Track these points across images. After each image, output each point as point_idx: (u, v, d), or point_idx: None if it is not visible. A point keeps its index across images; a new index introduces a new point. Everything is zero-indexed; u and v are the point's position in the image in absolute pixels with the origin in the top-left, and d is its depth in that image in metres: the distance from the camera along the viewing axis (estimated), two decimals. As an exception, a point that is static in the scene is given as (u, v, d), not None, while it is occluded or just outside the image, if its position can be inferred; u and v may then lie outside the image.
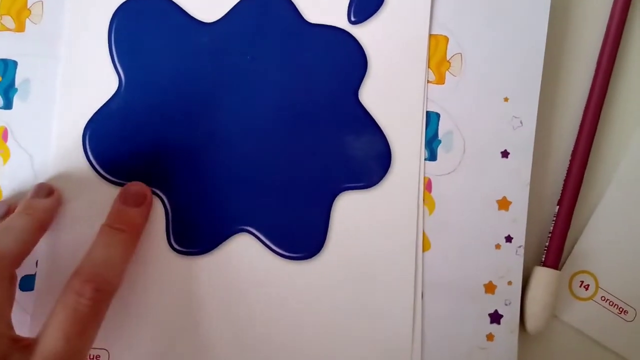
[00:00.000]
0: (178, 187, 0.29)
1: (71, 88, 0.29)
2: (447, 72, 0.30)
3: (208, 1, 0.30)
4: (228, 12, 0.30)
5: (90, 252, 0.26)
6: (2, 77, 0.29)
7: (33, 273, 0.29)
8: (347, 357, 0.29)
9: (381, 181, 0.30)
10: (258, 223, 0.29)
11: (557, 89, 0.32)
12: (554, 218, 0.31)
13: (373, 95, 0.30)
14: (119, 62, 0.29)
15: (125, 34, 0.29)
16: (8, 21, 0.29)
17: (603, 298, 0.32)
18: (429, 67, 0.30)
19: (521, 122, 0.30)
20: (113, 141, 0.29)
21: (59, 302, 0.24)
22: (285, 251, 0.29)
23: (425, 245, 0.30)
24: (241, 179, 0.29)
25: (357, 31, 0.30)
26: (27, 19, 0.29)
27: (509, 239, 0.30)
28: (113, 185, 0.29)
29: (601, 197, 0.32)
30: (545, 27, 0.31)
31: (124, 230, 0.27)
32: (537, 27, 0.31)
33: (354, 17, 0.30)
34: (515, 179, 0.30)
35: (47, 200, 0.28)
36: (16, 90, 0.29)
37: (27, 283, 0.29)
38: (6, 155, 0.29)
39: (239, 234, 0.29)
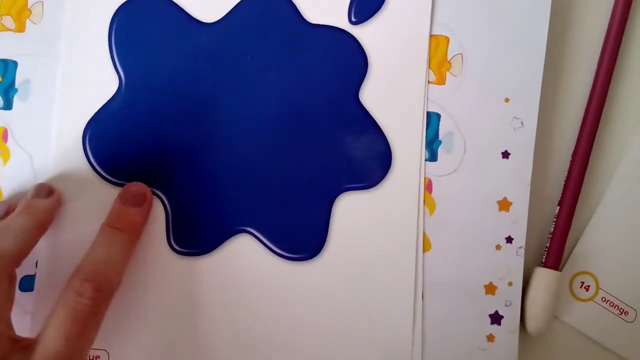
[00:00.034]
0: (178, 188, 0.29)
1: (71, 88, 0.29)
2: (447, 72, 0.30)
3: (208, 1, 0.30)
4: (228, 13, 0.30)
5: (90, 251, 0.26)
6: (2, 78, 0.29)
7: (33, 273, 0.29)
8: (347, 358, 0.29)
9: (382, 182, 0.30)
10: (258, 223, 0.29)
11: (558, 90, 0.32)
12: (555, 219, 0.31)
13: (374, 96, 0.30)
14: (119, 62, 0.29)
15: (125, 34, 0.29)
16: (8, 21, 0.29)
17: (603, 299, 0.32)
18: (429, 67, 0.30)
19: (522, 123, 0.30)
20: (113, 141, 0.29)
21: (59, 301, 0.24)
22: (286, 252, 0.29)
23: (426, 246, 0.30)
24: (241, 179, 0.29)
25: (357, 31, 0.30)
26: (27, 19, 0.29)
27: (509, 239, 0.30)
28: (113, 186, 0.29)
29: (601, 197, 0.32)
30: (546, 27, 0.31)
31: (124, 230, 0.27)
32: (538, 27, 0.31)
33: (355, 17, 0.30)
34: (515, 180, 0.30)
35: (47, 200, 0.28)
36: (16, 90, 0.29)
37: (27, 283, 0.29)
38: (6, 156, 0.29)
39: (239, 234, 0.29)
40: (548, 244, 0.31)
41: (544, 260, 0.31)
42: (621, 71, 0.33)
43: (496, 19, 0.31)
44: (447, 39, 0.30)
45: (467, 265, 0.30)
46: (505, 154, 0.30)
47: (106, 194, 0.29)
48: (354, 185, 0.30)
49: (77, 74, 0.29)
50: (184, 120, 0.29)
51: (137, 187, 0.28)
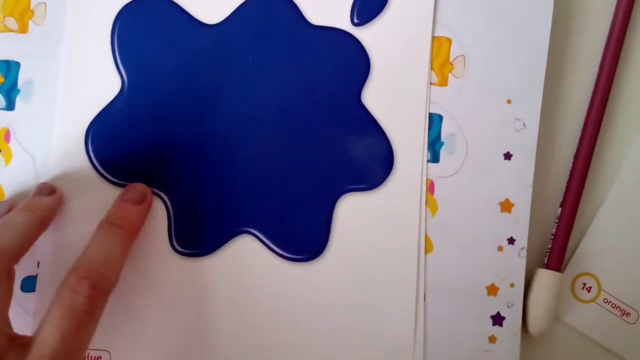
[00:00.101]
0: (180, 189, 0.29)
1: (73, 89, 0.29)
2: (449, 73, 0.30)
3: (211, 3, 0.30)
4: (231, 14, 0.30)
5: (87, 248, 0.25)
6: (5, 78, 0.29)
7: (35, 274, 0.29)
8: (349, 358, 0.29)
9: (384, 183, 0.30)
10: (260, 224, 0.29)
11: (560, 91, 0.32)
12: (557, 220, 0.31)
13: (376, 97, 0.30)
14: (122, 63, 0.29)
15: (128, 35, 0.29)
16: (11, 22, 0.29)
17: (605, 300, 0.32)
18: (431, 69, 0.30)
19: (524, 124, 0.30)
20: (115, 142, 0.29)
21: (55, 299, 0.24)
22: (288, 253, 0.29)
23: (428, 247, 0.30)
24: (243, 180, 0.29)
25: (360, 33, 0.30)
26: (30, 20, 0.29)
27: (511, 241, 0.30)
28: (115, 186, 0.29)
29: (603, 199, 0.32)
30: (548, 29, 0.31)
31: (122, 227, 0.27)
32: (540, 29, 0.31)
33: (357, 18, 0.30)
34: (517, 181, 0.30)
35: (48, 198, 0.28)
36: (18, 91, 0.29)
37: (29, 284, 0.29)
38: (8, 156, 0.29)
39: (241, 235, 0.29)
40: (550, 245, 0.31)
41: (545, 261, 0.31)
42: (623, 72, 0.33)
43: (498, 21, 0.31)
44: (450, 41, 0.30)
45: (469, 267, 0.30)
46: (507, 155, 0.30)
47: (108, 195, 0.29)
48: (356, 186, 0.30)
49: (79, 75, 0.29)
50: (185, 121, 0.29)
51: (137, 186, 0.28)
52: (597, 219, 0.32)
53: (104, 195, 0.29)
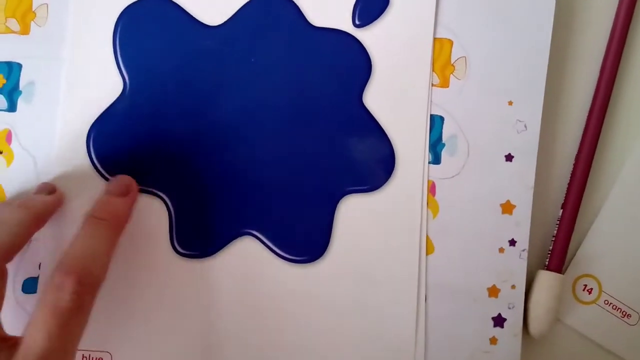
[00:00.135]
0: (182, 190, 0.29)
1: (75, 90, 0.29)
2: (451, 75, 0.30)
3: (213, 4, 0.30)
4: (233, 16, 0.30)
5: (72, 244, 0.25)
6: (7, 80, 0.29)
7: (36, 276, 0.29)
8: (350, 359, 0.29)
9: (385, 184, 0.30)
10: (262, 226, 0.29)
11: (562, 93, 0.32)
12: (558, 222, 0.31)
13: (377, 99, 0.30)
14: (124, 64, 0.29)
15: (130, 37, 0.29)
16: (13, 24, 0.29)
17: (606, 302, 0.32)
18: (433, 70, 0.30)
19: (525, 126, 0.31)
20: (117, 143, 0.29)
21: (40, 298, 0.23)
22: (289, 254, 0.29)
23: (429, 249, 0.30)
24: (245, 182, 0.29)
25: (361, 34, 0.30)
26: (31, 22, 0.29)
27: (512, 242, 0.30)
28: (117, 188, 0.29)
29: (605, 200, 0.32)
30: (549, 31, 0.31)
31: (107, 220, 0.26)
32: (541, 31, 0.31)
33: (359, 20, 0.30)
34: (519, 183, 0.30)
35: (46, 196, 0.27)
36: (20, 92, 0.29)
37: (30, 286, 0.29)
38: (10, 158, 0.29)
39: (243, 236, 0.29)
40: (551, 247, 0.31)
41: (547, 263, 0.31)
42: (625, 74, 0.33)
43: (499, 22, 0.31)
44: (451, 42, 0.30)
45: (470, 268, 0.30)
46: (509, 157, 0.30)
47: (110, 196, 0.29)
48: (357, 187, 0.30)
49: (81, 76, 0.29)
50: (187, 123, 0.29)
51: (121, 178, 0.28)
52: (598, 221, 0.32)
53: (106, 196, 0.29)
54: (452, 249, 0.30)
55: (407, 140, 0.30)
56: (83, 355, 0.28)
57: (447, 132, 0.30)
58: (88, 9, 0.29)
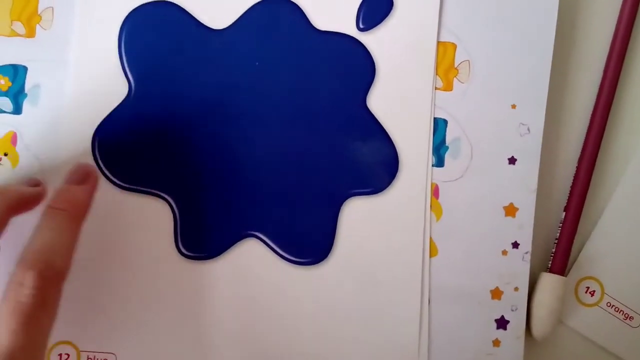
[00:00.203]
0: (186, 192, 0.29)
1: (81, 93, 0.29)
2: (454, 78, 0.31)
3: (218, 8, 0.30)
4: (237, 19, 0.30)
5: (32, 238, 0.24)
6: (12, 83, 0.29)
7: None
8: (353, 362, 0.29)
9: (388, 187, 0.30)
10: (266, 228, 0.30)
11: (564, 96, 0.33)
12: (561, 224, 0.32)
13: (381, 102, 0.30)
14: (129, 68, 0.29)
15: (135, 40, 0.29)
16: (18, 27, 0.29)
17: (608, 304, 0.32)
18: (436, 73, 0.30)
19: (528, 129, 0.31)
20: (122, 146, 0.29)
21: (3, 295, 0.22)
22: (293, 256, 0.29)
23: (432, 251, 0.30)
24: (249, 184, 0.30)
25: (365, 38, 0.30)
26: (37, 25, 0.29)
27: (515, 245, 0.30)
28: (121, 190, 0.29)
29: (607, 203, 0.32)
30: (552, 34, 0.31)
31: (67, 209, 0.25)
32: (545, 34, 0.31)
33: (363, 24, 0.30)
34: (522, 186, 0.30)
35: (25, 187, 0.27)
36: (26, 95, 0.29)
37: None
38: (15, 160, 0.29)
39: (247, 239, 0.29)
40: (554, 250, 0.31)
41: (549, 265, 0.31)
42: (627, 77, 0.33)
43: (503, 26, 0.31)
44: (455, 46, 0.31)
45: (473, 271, 0.30)
46: (512, 160, 0.31)
47: (115, 199, 0.29)
48: (360, 190, 0.30)
49: (86, 79, 0.29)
50: (192, 125, 0.29)
51: (80, 165, 0.28)
52: (601, 223, 0.32)
53: (111, 199, 0.29)
54: (456, 251, 0.30)
55: (411, 143, 0.30)
56: (88, 356, 0.28)
57: (450, 135, 0.30)
58: (93, 12, 0.29)
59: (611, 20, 0.32)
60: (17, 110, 0.29)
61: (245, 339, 0.29)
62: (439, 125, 0.30)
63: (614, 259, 0.32)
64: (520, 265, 0.30)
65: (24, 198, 0.26)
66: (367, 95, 0.30)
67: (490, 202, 0.30)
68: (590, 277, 0.32)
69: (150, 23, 0.29)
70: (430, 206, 0.30)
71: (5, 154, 0.29)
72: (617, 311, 0.32)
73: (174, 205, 0.29)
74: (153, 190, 0.29)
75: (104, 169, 0.29)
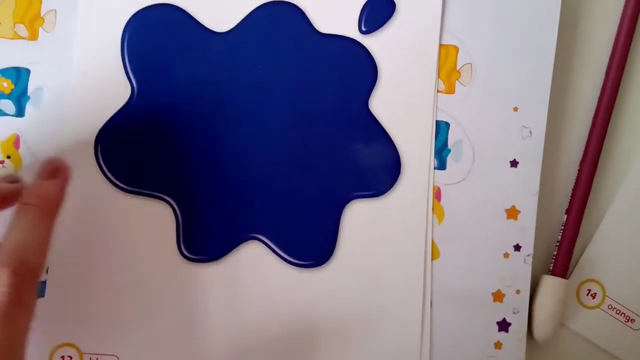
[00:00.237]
0: (189, 195, 0.29)
1: (83, 96, 0.29)
2: (457, 81, 0.31)
3: (220, 11, 0.30)
4: (239, 22, 0.30)
5: (5, 235, 0.24)
6: (15, 85, 0.29)
7: (43, 280, 0.29)
8: (355, 364, 0.29)
9: (391, 190, 0.30)
10: (268, 231, 0.30)
11: (566, 99, 0.33)
12: (562, 227, 0.32)
13: (383, 105, 0.30)
14: (132, 70, 0.29)
15: (137, 43, 0.29)
16: (21, 29, 0.29)
17: (610, 306, 0.32)
18: (439, 76, 0.30)
19: (530, 132, 0.31)
20: (124, 149, 0.29)
21: None
22: (295, 259, 0.30)
23: (434, 254, 0.30)
24: (251, 187, 0.30)
25: (367, 41, 0.30)
26: (40, 28, 0.29)
27: (517, 247, 0.30)
28: (124, 193, 0.29)
29: (609, 206, 0.32)
30: (554, 37, 0.31)
31: (39, 205, 0.25)
32: (546, 37, 0.31)
33: (365, 27, 0.30)
34: (523, 188, 0.31)
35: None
36: (28, 98, 0.29)
37: (39, 290, 0.29)
38: (17, 162, 0.29)
39: (249, 241, 0.30)
40: (555, 252, 0.31)
41: (551, 268, 0.31)
42: (629, 80, 0.33)
43: (505, 29, 0.31)
44: (457, 49, 0.31)
45: (475, 273, 0.30)
46: (514, 163, 0.31)
47: (117, 201, 0.29)
48: (363, 193, 0.30)
49: (89, 82, 0.29)
50: (194, 128, 0.30)
51: (50, 160, 0.27)
52: (602, 226, 0.32)
53: (113, 201, 0.29)
54: (458, 254, 0.30)
55: (413, 146, 0.30)
56: (90, 358, 0.29)
57: (452, 137, 0.30)
58: (96, 15, 0.29)
59: (613, 23, 0.32)
60: (20, 112, 0.29)
61: (247, 340, 0.29)
62: (441, 128, 0.30)
63: (616, 261, 0.32)
64: (522, 268, 0.30)
65: (2, 195, 0.26)
66: (369, 98, 0.30)
67: (492, 204, 0.30)
68: (592, 280, 0.32)
69: (152, 26, 0.30)
70: (432, 209, 0.30)
71: (8, 157, 0.29)
72: (618, 313, 0.32)
73: (176, 208, 0.29)
74: (155, 193, 0.29)
75: (106, 171, 0.29)
